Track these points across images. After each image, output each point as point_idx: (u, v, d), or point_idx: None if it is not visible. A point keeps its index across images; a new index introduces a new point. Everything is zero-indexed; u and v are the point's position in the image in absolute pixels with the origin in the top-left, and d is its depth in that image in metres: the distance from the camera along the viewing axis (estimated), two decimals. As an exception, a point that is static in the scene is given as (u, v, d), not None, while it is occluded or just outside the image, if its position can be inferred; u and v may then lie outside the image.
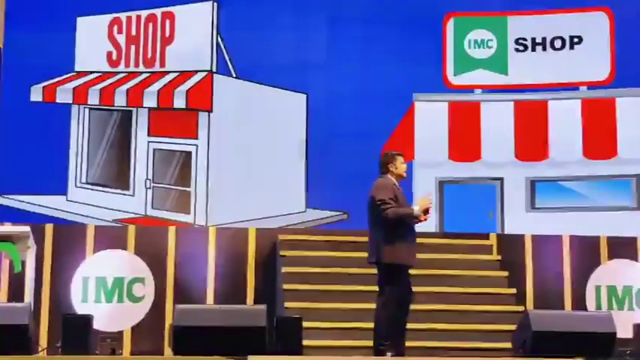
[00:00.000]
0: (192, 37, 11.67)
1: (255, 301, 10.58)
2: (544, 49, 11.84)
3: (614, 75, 11.60)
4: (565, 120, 11.63)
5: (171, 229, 10.95)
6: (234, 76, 11.57)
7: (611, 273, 11.04)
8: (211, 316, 7.55)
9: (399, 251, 7.99)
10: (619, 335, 7.73)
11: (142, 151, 11.50)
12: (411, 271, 10.13)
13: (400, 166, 8.27)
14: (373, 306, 9.59)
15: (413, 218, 8.07)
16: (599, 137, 11.53)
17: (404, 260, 8.03)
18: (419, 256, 10.19)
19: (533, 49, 11.87)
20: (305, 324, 8.43)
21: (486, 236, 11.18)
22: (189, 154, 11.49)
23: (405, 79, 11.70)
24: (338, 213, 11.38)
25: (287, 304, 9.83)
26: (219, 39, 11.57)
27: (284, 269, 10.34)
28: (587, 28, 11.80)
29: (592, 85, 11.68)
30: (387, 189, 8.12)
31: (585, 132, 11.55)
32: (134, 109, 11.57)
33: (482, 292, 10.30)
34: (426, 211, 8.11)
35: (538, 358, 7.42)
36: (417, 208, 8.08)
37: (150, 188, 11.45)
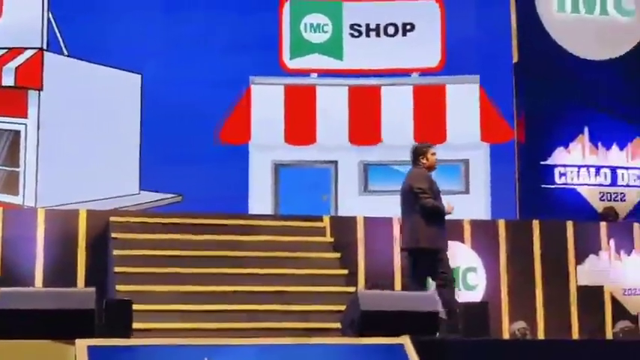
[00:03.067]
0: (22, 13, 11.33)
1: (86, 285, 10.33)
2: (378, 35, 12.06)
3: (444, 62, 11.92)
4: (397, 105, 11.88)
5: (-1, 211, 10.63)
6: (67, 54, 11.30)
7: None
8: (38, 299, 7.36)
9: (439, 237, 8.42)
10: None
11: (-31, 130, 11.13)
12: (245, 253, 10.23)
13: (431, 157, 8.57)
14: (205, 288, 9.62)
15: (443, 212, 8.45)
16: (430, 122, 11.83)
17: (442, 245, 8.45)
18: (254, 238, 10.28)
19: (368, 35, 12.07)
20: (136, 307, 8.33)
21: (320, 219, 11.31)
22: (18, 133, 11.17)
23: (241, 62, 11.71)
24: (172, 195, 11.30)
25: (118, 287, 9.67)
26: (51, 16, 11.26)
27: (115, 252, 10.17)
28: (420, 16, 12.10)
29: (423, 72, 11.96)
30: (424, 179, 8.45)
31: (416, 117, 11.83)
32: (-40, 87, 11.19)
33: (315, 274, 10.39)
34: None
35: (366, 337, 7.56)
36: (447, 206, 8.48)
37: (-23, 168, 11.11)
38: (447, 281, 8.41)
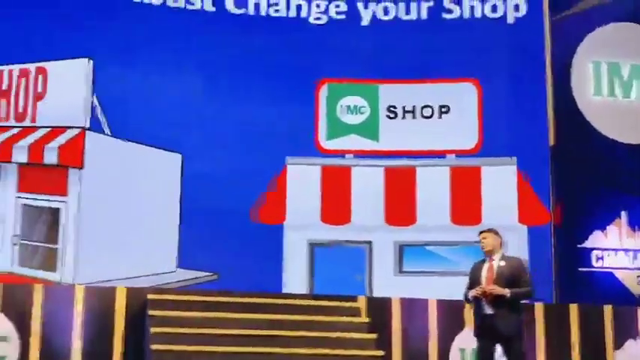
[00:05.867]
0: (66, 93, 11.53)
1: (123, 362, 10.42)
2: (414, 117, 12.16)
3: (481, 144, 11.97)
4: (433, 186, 11.92)
5: (38, 287, 10.69)
6: (108, 133, 11.49)
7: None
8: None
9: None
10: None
11: (10, 207, 11.27)
12: (280, 332, 10.24)
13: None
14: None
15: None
16: (465, 204, 11.85)
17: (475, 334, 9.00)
18: (288, 317, 10.29)
19: (404, 117, 12.17)
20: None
21: (355, 299, 11.30)
22: (57, 210, 11.30)
23: (278, 142, 11.84)
24: (208, 273, 11.35)
25: (155, 365, 9.71)
26: (94, 96, 11.48)
27: (153, 329, 10.21)
28: (456, 98, 12.17)
29: (459, 154, 12.02)
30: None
31: (452, 198, 11.86)
32: (3, 164, 11.36)
33: (351, 355, 10.36)
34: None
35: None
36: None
37: (17, 244, 11.21)
38: None
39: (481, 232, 9.01)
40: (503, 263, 8.78)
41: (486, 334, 8.69)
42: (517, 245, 11.52)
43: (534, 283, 8.84)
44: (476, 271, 8.83)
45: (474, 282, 8.77)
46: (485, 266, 8.81)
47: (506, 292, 8.55)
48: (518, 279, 8.67)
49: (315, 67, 12.14)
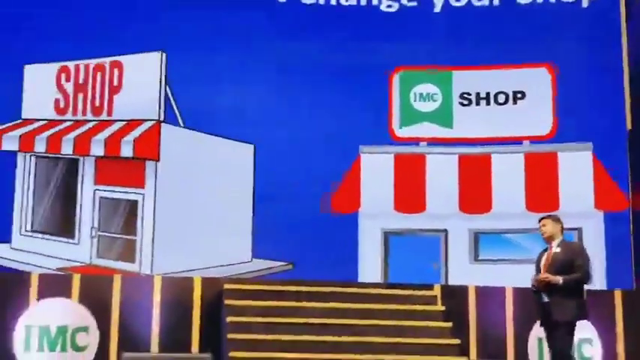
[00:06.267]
0: (140, 87, 11.69)
1: (201, 351, 10.52)
2: (488, 103, 12.05)
3: (555, 130, 11.83)
4: (508, 173, 11.81)
5: (117, 278, 10.89)
6: (182, 125, 11.61)
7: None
8: (156, 365, 7.52)
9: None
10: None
11: (88, 200, 11.46)
12: (355, 321, 10.26)
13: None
14: (318, 356, 9.67)
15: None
16: (541, 190, 11.71)
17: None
18: (362, 306, 10.31)
19: (478, 104, 12.07)
20: (250, 374, 8.44)
21: (430, 287, 11.26)
22: (135, 202, 11.47)
23: (351, 131, 11.83)
24: (283, 263, 11.42)
25: (232, 354, 9.80)
26: (168, 88, 11.62)
27: (229, 319, 10.32)
28: (530, 83, 12.02)
29: (534, 140, 11.88)
30: None
31: (528, 185, 11.73)
32: (81, 158, 11.56)
33: (427, 343, 10.35)
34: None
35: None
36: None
37: (95, 237, 11.41)
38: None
39: (540, 219, 8.86)
40: (559, 250, 8.64)
41: (545, 322, 8.58)
42: (593, 231, 11.38)
43: (592, 269, 8.71)
44: (539, 259, 8.73)
45: (537, 270, 8.66)
46: (545, 254, 8.70)
47: (558, 279, 8.41)
48: (572, 265, 8.52)
49: (388, 55, 12.08)
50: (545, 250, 8.77)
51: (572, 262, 8.53)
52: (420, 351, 10.17)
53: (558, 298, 8.44)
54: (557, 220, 8.83)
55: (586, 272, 8.54)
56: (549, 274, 8.47)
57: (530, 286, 8.73)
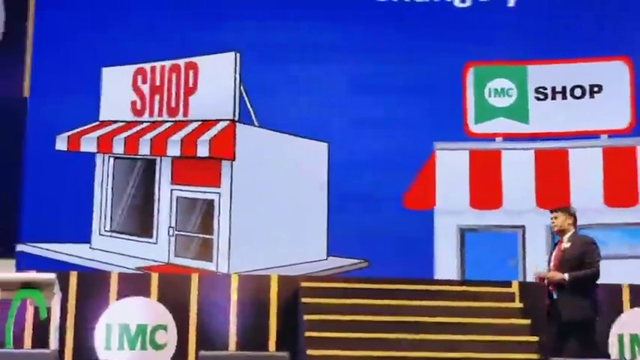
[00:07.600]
0: (215, 87, 11.81)
1: (278, 349, 10.58)
2: (564, 97, 11.91)
3: (634, 123, 11.64)
4: (586, 168, 11.66)
5: (194, 277, 11.00)
6: (257, 125, 11.69)
7: (634, 321, 10.97)
8: (234, 363, 7.58)
9: None
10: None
11: (165, 200, 11.61)
12: (432, 319, 10.21)
13: None
14: (395, 354, 9.65)
15: None
16: (620, 185, 11.54)
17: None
18: (440, 303, 10.26)
19: (554, 98, 11.93)
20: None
21: (508, 284, 11.16)
22: (211, 202, 11.58)
23: (426, 128, 11.79)
24: (358, 261, 11.42)
25: (309, 352, 9.83)
26: (242, 88, 11.71)
27: (306, 317, 10.35)
28: (607, 76, 11.86)
29: (612, 134, 11.71)
30: None
31: (606, 180, 11.57)
32: (158, 158, 11.71)
33: (504, 341, 10.25)
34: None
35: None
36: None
37: (173, 236, 11.55)
38: None
39: (552, 211, 8.54)
40: (569, 245, 8.33)
41: (554, 319, 8.32)
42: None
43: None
44: (550, 253, 8.43)
45: (549, 266, 8.41)
46: (556, 248, 8.44)
47: (564, 277, 8.14)
48: (582, 261, 8.21)
49: (461, 50, 12.01)
50: (557, 244, 8.50)
51: (582, 257, 8.22)
52: (498, 349, 10.08)
53: (567, 296, 8.15)
54: (569, 212, 8.49)
55: (596, 269, 8.21)
56: (551, 272, 8.22)
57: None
